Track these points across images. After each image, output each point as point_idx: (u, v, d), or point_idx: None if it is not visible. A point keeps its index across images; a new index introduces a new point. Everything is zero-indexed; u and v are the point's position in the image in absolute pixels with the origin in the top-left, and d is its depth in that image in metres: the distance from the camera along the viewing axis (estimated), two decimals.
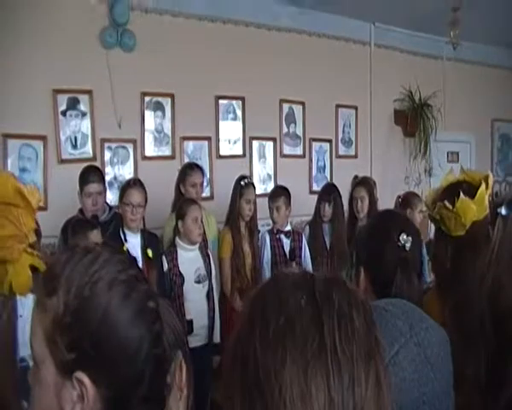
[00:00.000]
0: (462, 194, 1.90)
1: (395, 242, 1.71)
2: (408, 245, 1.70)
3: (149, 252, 3.97)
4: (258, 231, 4.85)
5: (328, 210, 4.94)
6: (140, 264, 3.29)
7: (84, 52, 4.87)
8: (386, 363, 0.75)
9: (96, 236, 3.51)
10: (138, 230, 4.09)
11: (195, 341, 3.99)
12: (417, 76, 7.00)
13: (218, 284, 4.54)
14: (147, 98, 5.33)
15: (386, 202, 5.40)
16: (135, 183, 4.12)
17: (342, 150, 6.91)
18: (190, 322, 4.03)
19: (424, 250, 1.98)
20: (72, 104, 4.92)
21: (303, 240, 4.81)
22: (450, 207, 1.90)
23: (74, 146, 4.94)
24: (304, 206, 5.57)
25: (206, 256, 4.28)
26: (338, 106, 6.78)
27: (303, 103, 6.43)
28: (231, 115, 5.92)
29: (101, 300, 0.93)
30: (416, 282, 1.72)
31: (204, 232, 4.34)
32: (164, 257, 4.10)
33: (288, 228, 4.81)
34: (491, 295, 1.58)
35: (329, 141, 6.77)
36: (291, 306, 0.74)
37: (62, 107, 4.87)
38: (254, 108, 5.97)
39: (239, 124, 5.98)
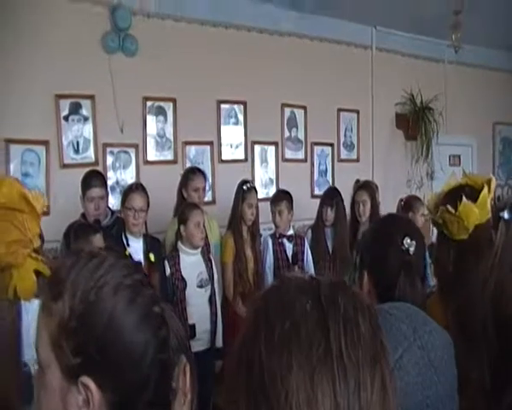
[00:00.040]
0: (464, 198, 1.90)
1: (399, 245, 1.71)
2: (412, 249, 1.70)
3: (151, 256, 3.97)
4: (260, 236, 4.85)
5: (330, 214, 4.94)
6: None
7: (87, 57, 4.88)
8: (392, 367, 0.75)
9: (98, 240, 3.50)
10: (140, 234, 4.09)
11: (198, 345, 3.98)
12: (419, 79, 7.00)
13: (221, 288, 4.54)
14: (149, 103, 5.34)
15: (388, 205, 5.41)
16: (137, 187, 4.13)
17: (344, 154, 6.91)
18: (193, 326, 4.03)
19: (427, 254, 1.98)
20: (75, 109, 4.93)
21: (305, 244, 4.81)
22: (453, 210, 1.90)
23: (76, 151, 4.95)
24: (306, 210, 5.56)
25: (208, 261, 4.28)
26: (339, 110, 6.78)
27: (305, 107, 6.43)
28: (233, 120, 5.93)
29: (107, 305, 0.93)
30: (420, 285, 1.72)
31: (206, 237, 4.34)
32: (166, 261, 4.10)
33: (291, 232, 4.81)
34: (493, 299, 1.58)
35: (331, 145, 6.77)
36: (296, 310, 0.74)
37: (64, 112, 4.88)
38: (256, 113, 5.98)
39: (241, 128, 5.99)
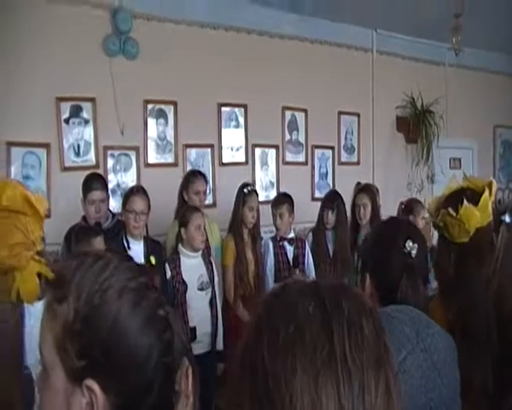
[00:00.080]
0: (465, 201, 1.91)
1: (401, 248, 1.71)
2: (414, 252, 1.70)
3: (152, 259, 3.97)
4: (261, 239, 4.85)
5: (331, 217, 4.93)
6: None
7: (87, 60, 4.89)
8: (396, 371, 0.75)
9: (99, 243, 3.50)
10: (141, 237, 4.09)
11: (198, 348, 3.99)
12: (419, 82, 7.01)
13: (221, 291, 4.54)
14: (149, 106, 5.34)
15: (388, 208, 5.41)
16: (138, 190, 4.13)
17: (344, 157, 6.91)
18: (193, 329, 4.03)
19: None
20: (75, 112, 4.93)
21: (306, 247, 4.81)
22: (454, 214, 1.91)
23: (77, 154, 4.95)
24: (306, 213, 5.56)
25: (208, 263, 4.28)
26: (340, 113, 6.79)
27: (305, 110, 6.44)
28: (234, 123, 5.93)
29: (112, 308, 0.93)
30: (422, 288, 1.72)
31: (207, 239, 4.34)
32: (167, 264, 4.10)
33: (292, 235, 4.81)
34: (495, 302, 1.59)
35: (332, 148, 6.77)
36: (300, 314, 0.74)
37: (65, 114, 4.88)
38: (257, 116, 5.99)
39: (241, 131, 5.99)
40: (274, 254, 4.69)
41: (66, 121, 4.89)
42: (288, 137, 6.37)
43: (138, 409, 0.95)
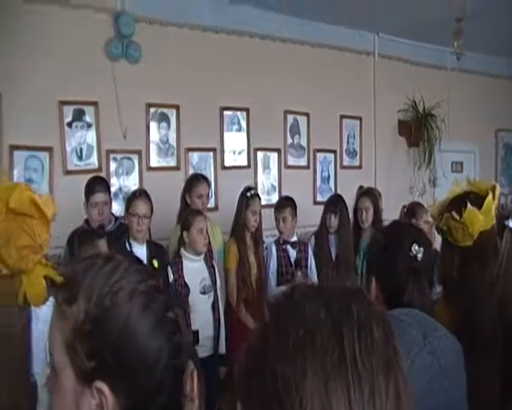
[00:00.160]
0: (469, 204, 1.91)
1: (407, 252, 1.71)
2: (420, 255, 1.70)
3: (155, 263, 3.97)
4: (263, 242, 4.85)
5: (334, 221, 4.93)
6: None
7: (90, 64, 4.90)
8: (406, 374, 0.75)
9: (102, 246, 3.50)
10: (144, 241, 4.10)
11: (201, 352, 3.97)
12: (421, 86, 7.02)
13: (224, 294, 4.54)
14: (152, 109, 5.35)
15: (390, 212, 5.40)
16: (141, 194, 4.13)
17: (346, 161, 6.92)
18: (196, 333, 4.03)
19: None
20: (78, 115, 4.94)
21: (309, 250, 4.81)
22: (458, 217, 1.91)
23: (80, 157, 4.96)
24: (308, 217, 5.56)
25: (211, 267, 4.28)
26: (342, 117, 6.79)
27: (307, 114, 6.44)
28: (236, 126, 5.94)
29: (122, 310, 0.93)
30: (428, 291, 1.73)
31: (209, 243, 4.35)
32: (169, 268, 4.10)
33: (295, 239, 4.81)
34: (500, 305, 1.59)
35: (334, 152, 6.78)
36: (310, 317, 0.74)
37: (68, 118, 4.89)
38: (259, 119, 5.99)
39: (243, 135, 6.00)
40: (277, 257, 4.69)
41: (69, 125, 4.90)
42: (290, 140, 6.37)
43: None
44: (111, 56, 5.01)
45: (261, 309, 4.43)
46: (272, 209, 4.89)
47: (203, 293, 4.16)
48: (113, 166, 5.15)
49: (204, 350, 4.06)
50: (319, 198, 6.50)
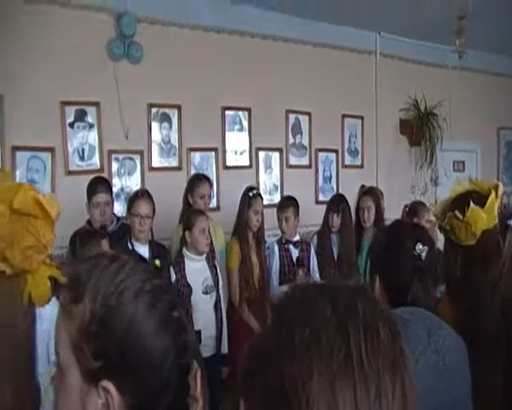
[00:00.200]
0: (472, 203, 1.91)
1: (411, 251, 1.71)
2: (423, 254, 1.70)
3: (157, 262, 3.97)
4: (265, 242, 4.85)
5: (336, 220, 4.93)
6: None
7: (92, 64, 4.90)
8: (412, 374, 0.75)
9: (104, 246, 3.50)
10: (146, 241, 4.10)
11: (203, 351, 3.97)
12: (423, 85, 7.01)
13: (226, 294, 4.54)
14: (154, 109, 5.35)
15: (392, 211, 5.40)
16: (143, 194, 4.14)
17: (348, 160, 6.91)
18: (198, 333, 4.03)
19: None
20: (80, 116, 4.94)
21: (311, 250, 4.81)
22: (461, 216, 1.91)
23: (82, 157, 4.96)
24: (310, 216, 5.56)
25: (213, 267, 4.28)
26: (344, 116, 6.79)
27: (309, 114, 6.44)
28: (238, 126, 5.94)
29: (128, 310, 0.93)
30: (432, 290, 1.72)
31: (211, 243, 4.35)
32: (171, 268, 4.10)
33: (297, 238, 4.81)
34: (503, 305, 1.59)
35: (335, 151, 6.77)
36: (316, 317, 0.73)
37: (70, 119, 4.89)
38: (261, 119, 5.99)
39: (245, 135, 6.00)
40: (279, 256, 4.69)
41: (71, 125, 4.90)
42: (291, 140, 6.37)
43: None
44: (113, 57, 5.02)
45: (264, 309, 4.44)
46: (274, 209, 4.88)
47: (205, 293, 4.15)
48: (114, 166, 5.15)
49: (206, 350, 4.06)
50: (321, 198, 6.49)
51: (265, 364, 0.74)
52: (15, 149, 4.60)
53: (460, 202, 1.98)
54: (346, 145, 6.88)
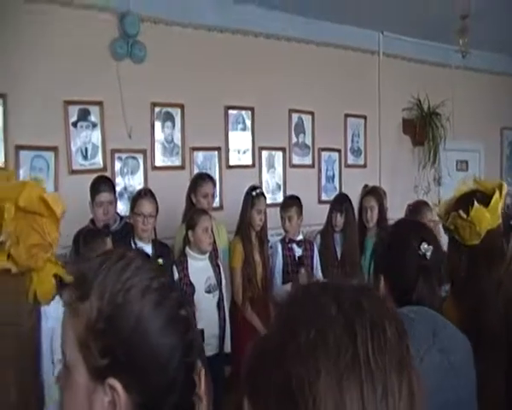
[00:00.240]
0: (476, 203, 1.90)
1: (416, 250, 1.71)
2: (428, 254, 1.70)
3: (160, 261, 3.96)
4: (268, 241, 4.85)
5: (339, 220, 4.92)
6: None
7: (95, 63, 4.90)
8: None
9: (107, 245, 3.51)
10: (149, 240, 4.10)
11: (206, 350, 3.97)
12: (426, 85, 7.00)
13: (229, 293, 4.54)
14: (157, 109, 5.36)
15: (395, 211, 5.39)
16: (146, 193, 4.14)
17: (351, 160, 6.90)
18: (201, 332, 4.02)
19: None
20: (83, 115, 4.95)
21: (314, 249, 4.80)
22: (465, 216, 1.91)
23: (85, 157, 4.97)
24: (313, 215, 5.55)
25: (216, 266, 4.28)
26: (347, 115, 6.78)
27: (312, 113, 6.44)
28: (241, 125, 5.94)
29: (134, 307, 0.93)
30: (437, 289, 1.72)
31: (214, 242, 4.35)
32: (175, 267, 4.10)
33: (300, 237, 4.80)
34: (507, 305, 1.59)
35: (338, 151, 6.77)
36: (322, 316, 0.73)
37: (73, 118, 4.90)
38: (263, 118, 5.99)
39: (248, 134, 5.99)
40: (283, 256, 4.68)
41: (74, 125, 4.91)
42: (294, 139, 6.37)
43: (160, 408, 0.95)
44: (116, 56, 5.02)
45: (267, 308, 4.44)
46: (277, 208, 4.88)
47: (208, 292, 4.15)
48: (118, 165, 5.15)
49: (209, 349, 4.06)
50: (324, 197, 6.49)
51: (269, 363, 0.74)
52: (19, 148, 4.60)
53: (464, 201, 1.98)
54: (349, 145, 6.87)
